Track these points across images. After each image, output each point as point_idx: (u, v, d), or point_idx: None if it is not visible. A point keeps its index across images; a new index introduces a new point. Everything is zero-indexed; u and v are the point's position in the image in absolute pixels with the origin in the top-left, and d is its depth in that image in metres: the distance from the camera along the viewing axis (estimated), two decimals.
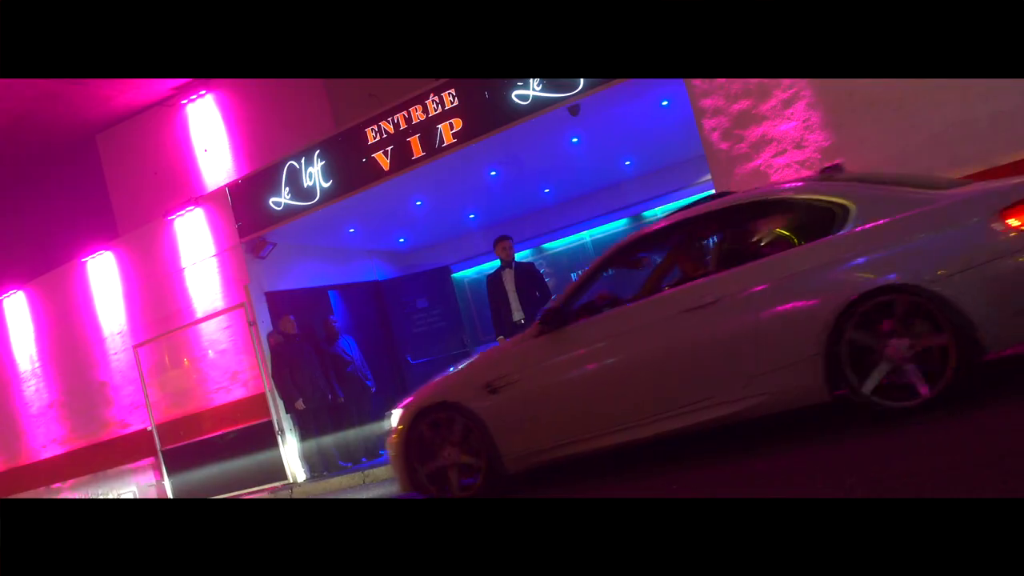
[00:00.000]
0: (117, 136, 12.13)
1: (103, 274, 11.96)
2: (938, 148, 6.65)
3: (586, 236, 13.37)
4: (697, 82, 7.69)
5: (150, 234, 11.47)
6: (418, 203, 11.56)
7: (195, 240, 11.02)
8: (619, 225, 13.36)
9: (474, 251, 13.47)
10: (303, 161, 9.96)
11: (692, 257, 5.22)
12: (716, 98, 7.61)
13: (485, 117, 8.71)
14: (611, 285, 5.42)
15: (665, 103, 9.62)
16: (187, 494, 10.88)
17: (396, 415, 5.57)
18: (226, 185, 10.75)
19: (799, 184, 4.97)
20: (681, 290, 4.86)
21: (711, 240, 5.23)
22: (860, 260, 4.34)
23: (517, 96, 8.45)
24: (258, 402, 10.42)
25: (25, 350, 12.92)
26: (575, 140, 10.32)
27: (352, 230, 12.01)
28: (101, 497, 11.81)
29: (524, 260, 10.78)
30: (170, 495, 11.07)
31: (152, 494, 11.43)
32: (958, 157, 6.57)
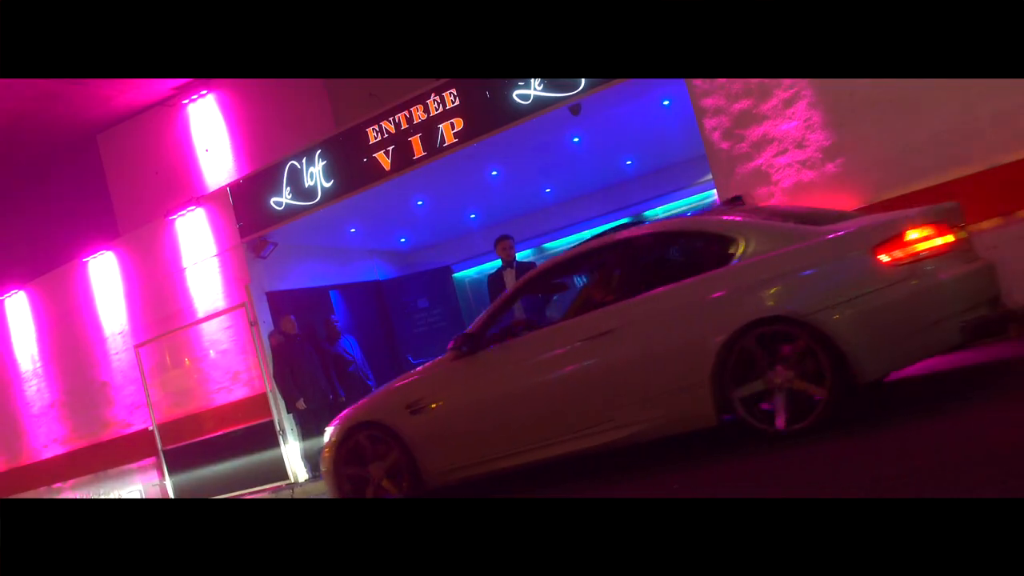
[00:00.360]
0: (118, 136, 12.13)
1: (104, 274, 11.97)
2: (938, 148, 6.65)
3: (587, 236, 13.36)
4: (698, 82, 7.69)
5: (151, 234, 11.47)
6: (419, 203, 11.56)
7: (196, 240, 11.02)
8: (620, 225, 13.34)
9: (475, 251, 13.47)
10: (304, 161, 9.96)
11: (596, 286, 5.50)
12: (717, 98, 7.60)
13: (486, 117, 8.71)
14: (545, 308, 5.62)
15: (666, 103, 9.61)
16: (188, 494, 10.88)
17: (329, 432, 5.90)
18: (227, 185, 10.75)
19: (695, 217, 5.28)
20: (584, 318, 5.13)
21: (616, 270, 5.45)
22: (747, 292, 4.57)
23: (518, 96, 8.45)
24: (259, 402, 10.42)
25: (26, 350, 12.93)
26: (576, 140, 10.32)
27: (353, 230, 12.01)
28: (103, 497, 11.82)
29: (525, 260, 10.78)
30: (171, 495, 11.07)
31: (153, 494, 11.44)
32: (958, 157, 6.57)
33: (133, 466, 11.71)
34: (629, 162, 12.08)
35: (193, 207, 10.98)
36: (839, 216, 5.09)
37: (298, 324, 10.16)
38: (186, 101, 11.39)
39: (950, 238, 4.49)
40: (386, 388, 5.95)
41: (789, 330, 4.41)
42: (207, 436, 10.82)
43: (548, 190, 12.60)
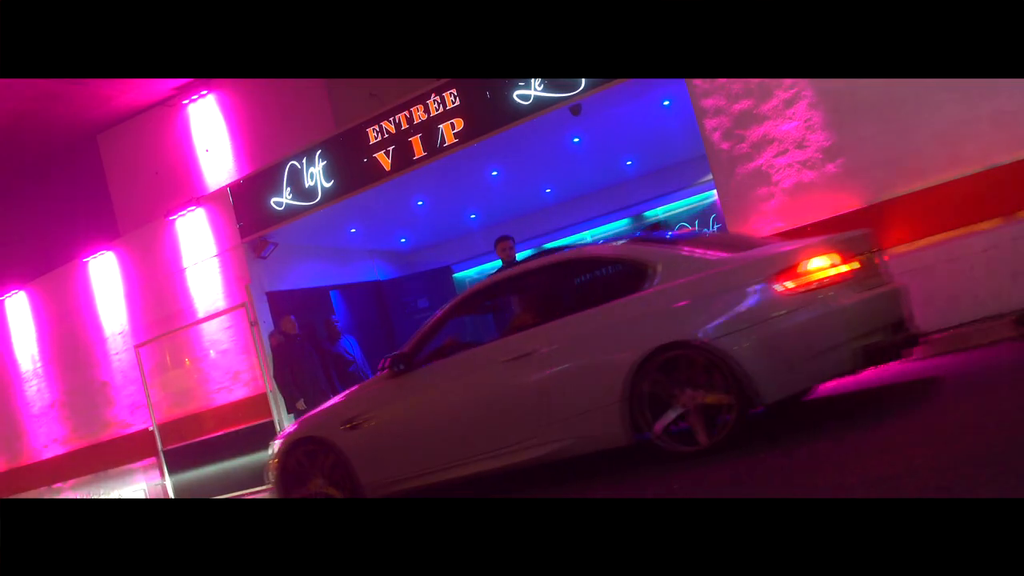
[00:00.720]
0: (118, 136, 12.12)
1: (104, 274, 11.97)
2: (939, 148, 6.65)
3: (587, 236, 13.37)
4: (698, 82, 7.68)
5: (151, 234, 11.47)
6: (419, 203, 11.56)
7: (196, 240, 11.02)
8: (620, 225, 13.36)
9: (475, 251, 13.47)
10: (304, 161, 9.96)
11: (521, 309, 5.76)
12: (717, 98, 7.60)
13: (486, 117, 8.71)
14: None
15: (666, 103, 9.61)
16: (188, 494, 10.88)
17: (274, 446, 6.12)
18: (227, 185, 10.75)
19: (613, 244, 5.50)
20: (507, 340, 5.35)
21: (537, 294, 5.69)
22: (656, 317, 4.79)
23: (518, 96, 8.45)
24: (259, 402, 10.43)
25: (26, 350, 12.93)
26: (576, 140, 10.32)
27: (353, 230, 12.01)
28: (103, 497, 11.82)
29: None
30: (171, 495, 11.07)
31: (153, 494, 11.43)
32: (959, 157, 6.57)
33: (133, 466, 11.71)
34: (629, 162, 12.08)
35: (193, 207, 10.98)
36: (751, 244, 5.31)
37: (298, 324, 10.16)
38: (186, 101, 11.38)
39: (849, 266, 4.67)
40: (328, 404, 6.19)
41: (695, 355, 4.62)
42: (207, 436, 10.82)
43: (548, 190, 12.60)
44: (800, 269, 4.55)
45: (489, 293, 6.03)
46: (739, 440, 4.53)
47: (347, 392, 6.17)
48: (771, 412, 5.08)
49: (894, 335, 4.80)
